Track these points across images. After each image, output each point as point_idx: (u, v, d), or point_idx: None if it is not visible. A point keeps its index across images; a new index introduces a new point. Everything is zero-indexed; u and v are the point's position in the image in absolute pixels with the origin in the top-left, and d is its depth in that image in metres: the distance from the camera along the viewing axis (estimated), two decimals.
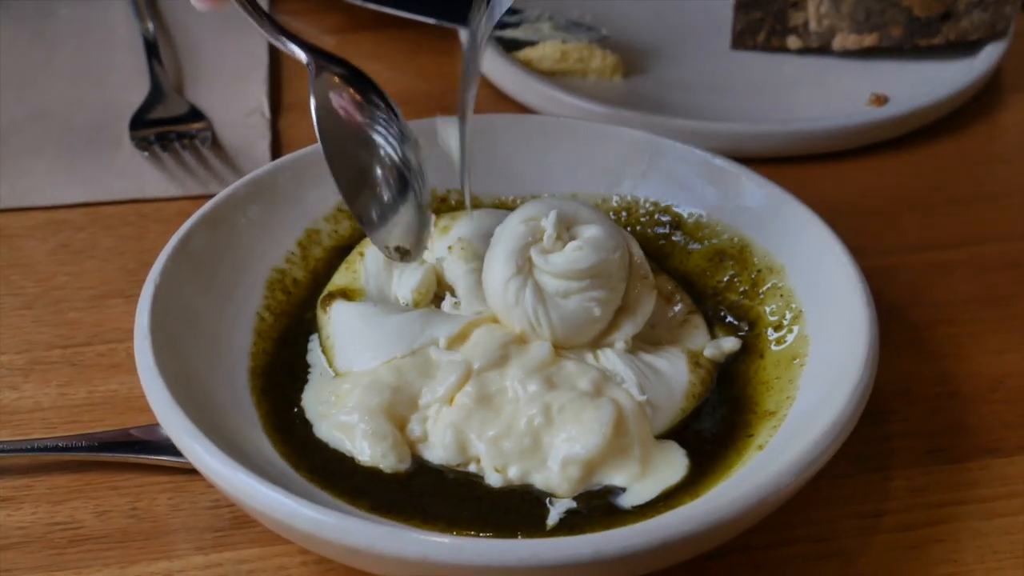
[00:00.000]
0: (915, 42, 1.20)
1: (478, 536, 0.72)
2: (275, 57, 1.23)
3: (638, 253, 0.84)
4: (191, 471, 0.77)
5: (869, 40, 1.21)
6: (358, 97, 0.82)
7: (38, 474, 0.80)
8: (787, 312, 0.86)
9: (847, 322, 0.81)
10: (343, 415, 0.78)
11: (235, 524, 0.77)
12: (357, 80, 0.83)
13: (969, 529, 0.79)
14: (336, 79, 0.82)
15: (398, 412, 0.78)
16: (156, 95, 1.13)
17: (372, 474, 0.76)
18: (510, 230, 0.82)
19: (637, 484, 0.75)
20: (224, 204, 0.88)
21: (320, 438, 0.78)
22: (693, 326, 0.86)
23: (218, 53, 1.21)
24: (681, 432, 0.80)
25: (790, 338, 0.85)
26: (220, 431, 0.75)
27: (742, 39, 1.23)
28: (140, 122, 1.10)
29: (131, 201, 1.04)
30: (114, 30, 1.25)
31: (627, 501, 0.75)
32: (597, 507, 0.74)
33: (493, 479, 0.76)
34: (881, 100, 1.16)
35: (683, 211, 0.94)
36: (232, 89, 1.17)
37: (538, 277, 0.81)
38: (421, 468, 0.77)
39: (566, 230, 0.82)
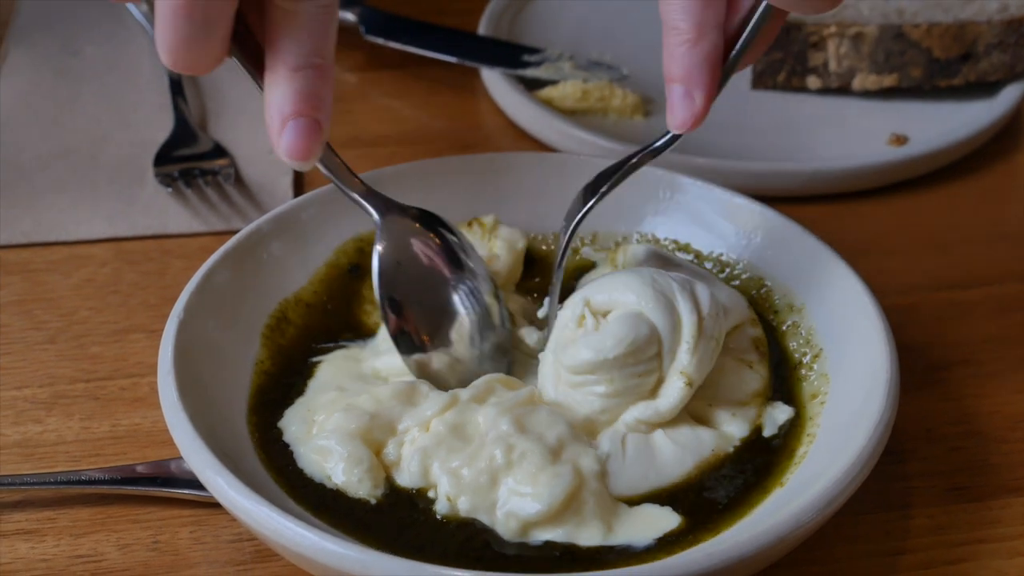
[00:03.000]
0: (935, 83, 1.21)
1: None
2: None
3: (691, 343, 0.81)
4: (213, 504, 0.78)
5: (889, 81, 1.21)
6: (434, 246, 0.86)
7: (61, 507, 0.81)
8: (807, 350, 0.87)
9: (867, 361, 0.82)
10: (321, 439, 0.79)
11: (257, 558, 0.78)
12: (437, 227, 0.87)
13: (990, 568, 0.79)
14: (412, 226, 0.85)
15: (375, 437, 0.79)
16: (180, 132, 1.14)
17: (353, 503, 0.77)
18: (563, 311, 0.83)
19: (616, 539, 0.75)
20: (247, 240, 0.89)
21: (300, 468, 0.78)
22: (755, 407, 0.84)
23: (242, 91, 1.22)
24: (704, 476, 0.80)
25: (811, 376, 0.85)
26: (243, 465, 0.76)
27: (762, 79, 1.24)
28: (164, 159, 1.11)
29: (154, 237, 1.05)
30: (139, 68, 1.26)
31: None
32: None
33: (442, 506, 0.76)
34: (901, 140, 1.17)
35: (703, 249, 0.94)
36: (255, 126, 1.18)
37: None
38: (394, 493, 0.77)
39: (602, 316, 0.82)
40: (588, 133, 1.13)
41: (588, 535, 0.74)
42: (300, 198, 0.93)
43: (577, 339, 0.81)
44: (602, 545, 0.74)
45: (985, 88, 1.22)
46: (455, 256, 0.86)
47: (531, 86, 1.21)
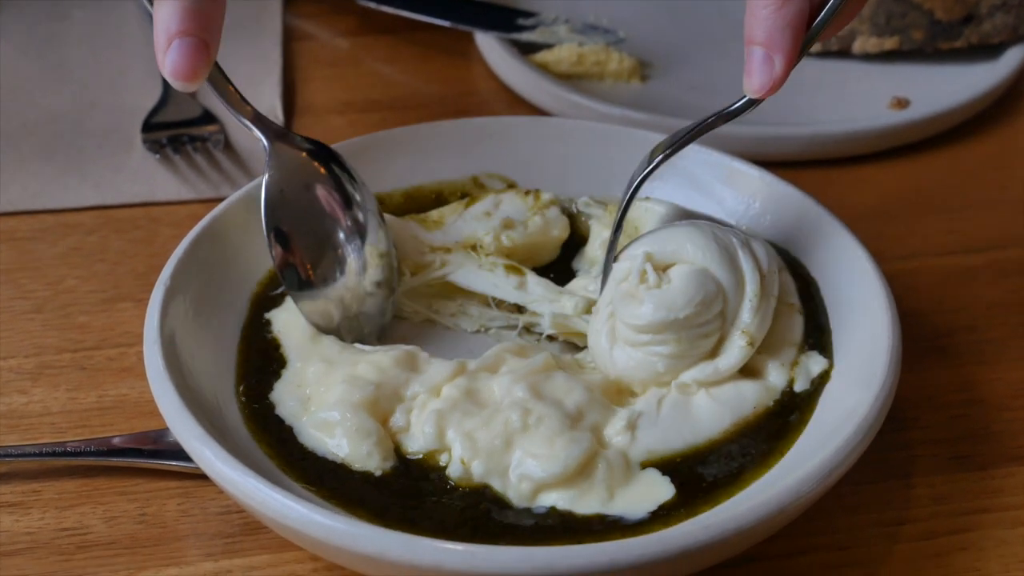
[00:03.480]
0: (937, 45, 1.19)
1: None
2: (288, 60, 1.22)
3: (754, 301, 0.79)
4: (201, 476, 0.77)
5: (890, 43, 1.20)
6: (325, 180, 0.85)
7: (46, 479, 0.79)
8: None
9: (869, 327, 0.80)
10: (324, 412, 0.77)
11: (245, 530, 0.77)
12: (330, 164, 0.85)
13: (993, 538, 0.78)
14: (303, 158, 0.84)
15: (381, 407, 0.77)
16: (168, 98, 1.13)
17: (355, 475, 0.75)
18: (620, 264, 0.82)
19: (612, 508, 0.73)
20: (236, 206, 0.87)
21: (302, 443, 0.77)
22: (796, 350, 0.82)
23: (231, 56, 1.19)
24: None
25: (810, 343, 0.84)
26: (231, 436, 0.75)
27: None
28: (152, 125, 1.10)
29: (142, 204, 1.03)
30: (127, 33, 1.24)
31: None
32: (587, 520, 0.73)
33: (455, 470, 0.74)
34: (902, 103, 1.15)
35: (701, 214, 0.92)
36: (245, 92, 1.14)
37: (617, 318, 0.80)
38: (401, 464, 0.76)
39: (662, 271, 0.80)
40: (584, 97, 1.12)
41: (588, 503, 0.73)
42: None
43: (640, 296, 0.79)
44: (596, 514, 0.73)
45: (988, 51, 1.21)
46: (343, 190, 0.85)
47: (526, 50, 1.19)
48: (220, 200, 0.89)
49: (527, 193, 0.92)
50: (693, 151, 0.93)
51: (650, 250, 0.80)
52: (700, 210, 0.93)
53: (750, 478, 0.75)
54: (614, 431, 0.76)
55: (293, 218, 0.83)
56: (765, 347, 0.81)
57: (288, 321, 0.84)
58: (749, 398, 0.79)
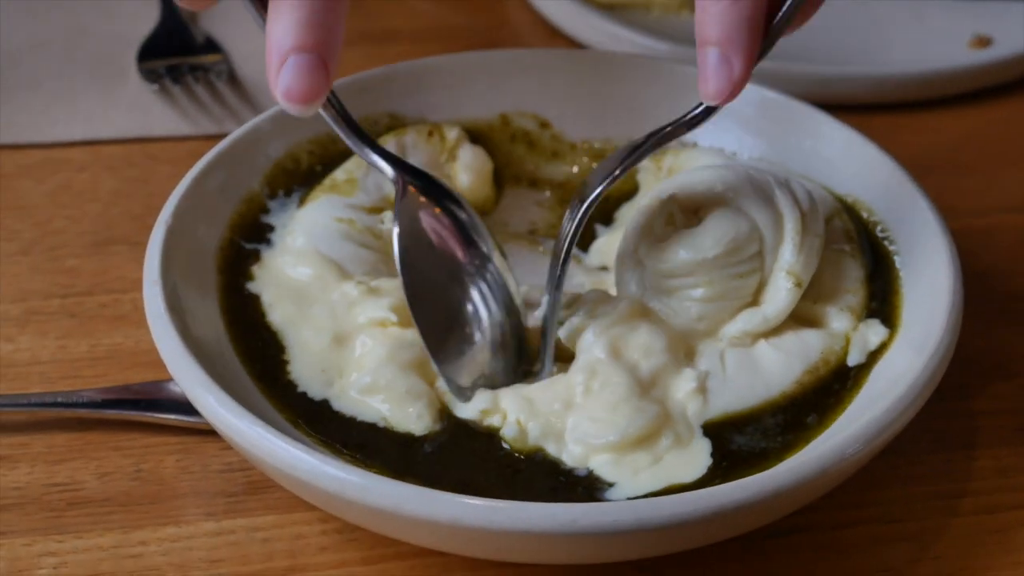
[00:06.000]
0: None
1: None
2: None
3: (796, 239, 0.83)
4: (201, 431, 0.82)
5: None
6: (447, 222, 0.84)
7: (35, 431, 0.84)
8: None
9: (930, 284, 0.84)
10: (367, 376, 0.81)
11: (249, 489, 0.81)
12: (445, 202, 0.85)
13: None
14: (424, 202, 0.83)
15: (431, 368, 0.82)
16: (168, 23, 1.18)
17: (390, 436, 0.79)
18: (644, 205, 0.86)
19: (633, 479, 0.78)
20: (244, 140, 0.91)
21: (337, 410, 0.81)
22: (861, 295, 0.87)
23: None
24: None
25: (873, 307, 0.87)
26: (239, 389, 0.78)
27: None
28: (149, 53, 1.14)
29: (137, 140, 1.08)
30: None
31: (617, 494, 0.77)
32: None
33: (510, 431, 0.79)
34: (984, 42, 1.18)
35: (751, 166, 0.95)
36: (230, 18, 1.20)
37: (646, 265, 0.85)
38: (452, 426, 0.80)
39: (693, 213, 0.85)
40: (627, 30, 1.15)
41: (625, 471, 0.78)
42: None
43: (667, 239, 0.84)
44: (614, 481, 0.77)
45: None
46: (468, 236, 0.85)
47: None
48: (223, 137, 0.92)
49: (430, 134, 0.96)
50: (746, 89, 0.97)
51: (676, 192, 0.85)
52: (750, 155, 0.97)
53: (796, 444, 0.79)
54: (684, 395, 0.81)
55: (430, 275, 0.83)
56: (819, 296, 0.86)
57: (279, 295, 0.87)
58: (813, 344, 0.84)
